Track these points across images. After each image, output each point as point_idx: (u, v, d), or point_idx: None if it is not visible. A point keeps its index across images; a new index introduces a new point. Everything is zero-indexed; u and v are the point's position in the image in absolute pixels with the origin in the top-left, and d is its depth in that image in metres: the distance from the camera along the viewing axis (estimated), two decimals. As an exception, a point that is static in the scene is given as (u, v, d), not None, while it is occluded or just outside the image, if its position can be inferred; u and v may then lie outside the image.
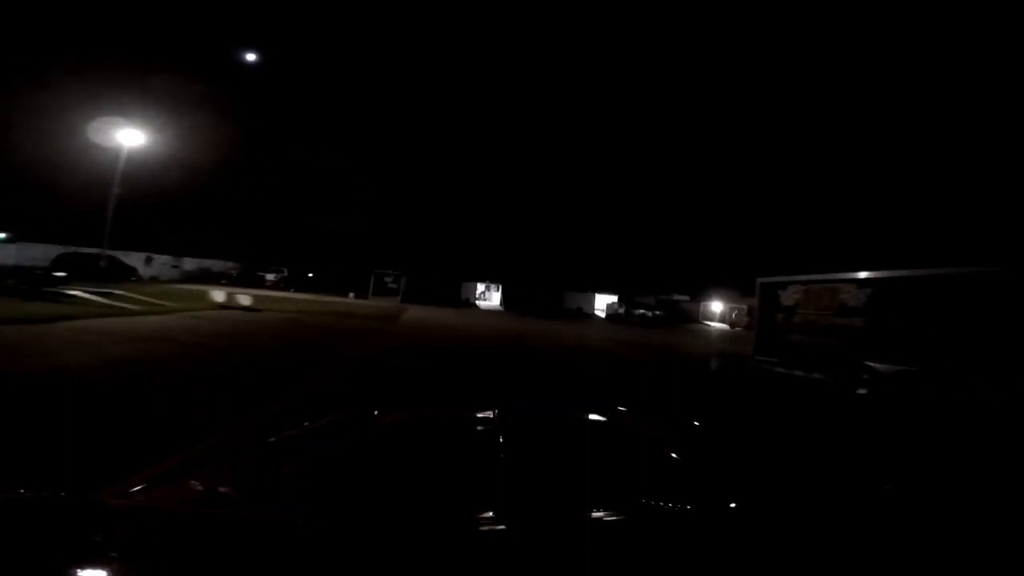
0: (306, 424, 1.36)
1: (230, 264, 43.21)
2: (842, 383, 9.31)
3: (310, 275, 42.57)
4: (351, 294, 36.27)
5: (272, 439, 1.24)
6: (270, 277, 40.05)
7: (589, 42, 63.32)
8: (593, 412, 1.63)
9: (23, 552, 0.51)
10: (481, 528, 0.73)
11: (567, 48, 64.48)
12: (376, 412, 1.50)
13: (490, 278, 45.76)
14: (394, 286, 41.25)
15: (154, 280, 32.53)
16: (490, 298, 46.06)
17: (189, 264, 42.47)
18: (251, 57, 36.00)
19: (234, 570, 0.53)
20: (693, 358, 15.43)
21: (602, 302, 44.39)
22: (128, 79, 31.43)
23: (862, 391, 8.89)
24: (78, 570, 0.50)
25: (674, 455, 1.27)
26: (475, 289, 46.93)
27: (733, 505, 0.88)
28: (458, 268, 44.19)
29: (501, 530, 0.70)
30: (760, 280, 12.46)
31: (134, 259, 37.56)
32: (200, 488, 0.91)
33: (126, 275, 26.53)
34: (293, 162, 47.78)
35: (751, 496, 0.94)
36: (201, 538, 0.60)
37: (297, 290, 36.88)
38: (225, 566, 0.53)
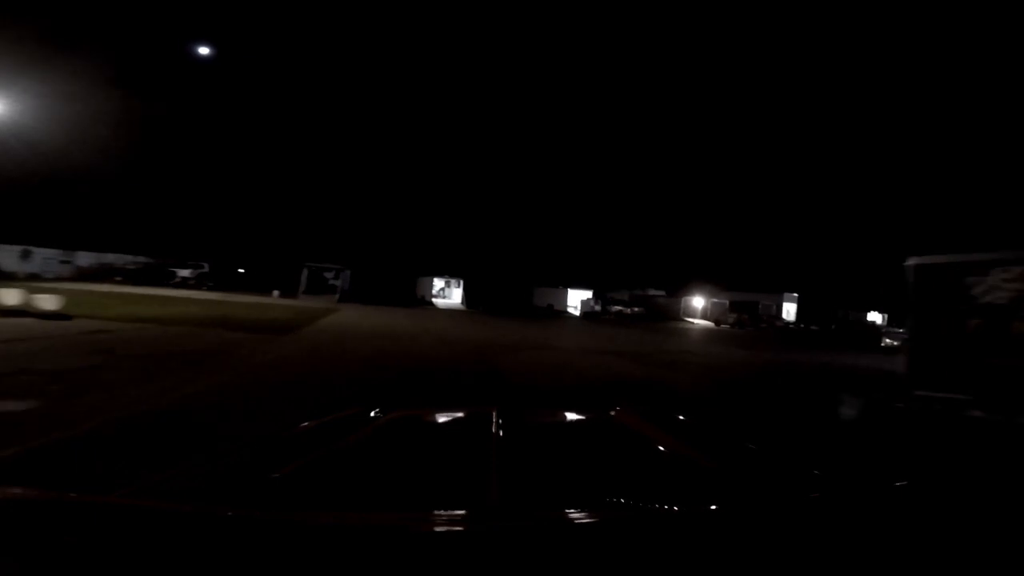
0: (306, 424, 1.39)
1: (128, 259, 36.09)
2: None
3: (241, 271, 36.34)
4: (275, 292, 30.05)
5: (273, 439, 1.27)
6: (184, 273, 34.17)
7: (553, 24, 58.46)
8: (594, 413, 1.71)
9: (24, 553, 0.51)
10: (480, 527, 0.71)
11: (529, 27, 59.37)
12: (376, 412, 1.50)
13: (450, 272, 40.03)
14: (336, 282, 35.40)
15: (34, 278, 25.56)
16: (450, 295, 40.41)
17: (85, 259, 35.29)
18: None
19: (236, 571, 0.52)
20: (747, 378, 10.57)
21: (575, 298, 39.65)
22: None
23: None
24: (79, 572, 0.50)
25: (674, 455, 1.23)
26: (432, 285, 41.30)
27: (733, 506, 0.87)
28: (413, 261, 38.41)
29: (499, 530, 0.66)
30: (918, 262, 6.89)
31: (4, 253, 30.66)
32: (203, 489, 0.91)
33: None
34: (218, 144, 40.48)
35: (753, 496, 0.94)
36: (203, 539, 0.58)
37: (214, 288, 30.80)
38: (227, 567, 0.53)
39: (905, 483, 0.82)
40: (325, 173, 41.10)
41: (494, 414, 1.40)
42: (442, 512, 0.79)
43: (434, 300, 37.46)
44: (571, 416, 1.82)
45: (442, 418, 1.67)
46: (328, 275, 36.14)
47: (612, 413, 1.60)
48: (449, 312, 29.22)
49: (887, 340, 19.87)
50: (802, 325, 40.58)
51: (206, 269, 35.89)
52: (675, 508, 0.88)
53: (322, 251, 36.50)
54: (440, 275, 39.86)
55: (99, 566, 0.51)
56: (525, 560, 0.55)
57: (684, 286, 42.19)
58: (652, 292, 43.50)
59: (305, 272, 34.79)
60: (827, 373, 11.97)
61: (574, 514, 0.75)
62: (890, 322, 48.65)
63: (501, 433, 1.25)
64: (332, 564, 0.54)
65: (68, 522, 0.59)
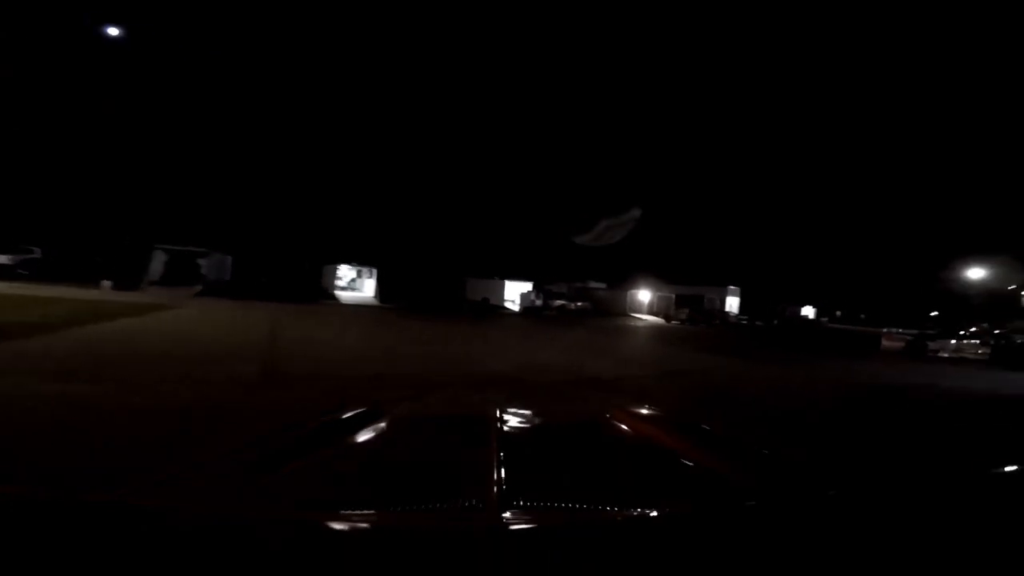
0: (306, 423, 1.37)
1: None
2: None
3: (98, 259, 27.07)
4: (105, 283, 21.81)
5: (274, 437, 1.24)
6: (2, 260, 24.36)
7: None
8: (593, 413, 1.76)
9: (18, 554, 0.50)
10: (479, 527, 0.72)
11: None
12: (376, 412, 1.48)
13: (361, 259, 32.93)
14: (211, 272, 27.52)
15: None
16: (362, 287, 33.43)
17: None
18: None
19: (236, 571, 0.52)
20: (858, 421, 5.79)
21: (513, 291, 34.35)
22: None
23: None
24: (75, 573, 0.49)
25: (673, 456, 1.24)
26: (340, 275, 34.09)
27: (733, 506, 0.87)
28: (313, 246, 31.07)
29: (499, 530, 0.68)
30: None
31: None
32: (203, 488, 0.91)
33: None
34: (53, 102, 29.67)
35: (753, 497, 0.95)
36: (203, 539, 0.58)
37: (37, 279, 21.80)
38: (227, 567, 0.52)
39: (907, 483, 0.82)
40: (192, 127, 31.98)
41: (494, 414, 1.38)
42: (441, 511, 0.80)
43: (338, 293, 30.38)
44: (571, 416, 1.96)
45: (442, 418, 1.73)
46: (202, 261, 28.12)
47: (611, 413, 1.58)
48: (353, 310, 22.56)
49: (886, 341, 16.56)
50: (745, 320, 38.46)
51: (37, 255, 26.58)
52: (674, 509, 0.86)
53: (193, 231, 28.14)
54: (349, 262, 32.68)
55: (98, 566, 0.50)
56: (524, 560, 0.55)
57: (626, 278, 38.64)
58: (593, 284, 39.50)
59: (159, 256, 26.38)
60: (942, 405, 7.61)
61: (574, 514, 0.78)
62: (820, 316, 49.32)
63: (500, 433, 1.24)
64: (332, 564, 0.53)
65: (67, 522, 0.58)
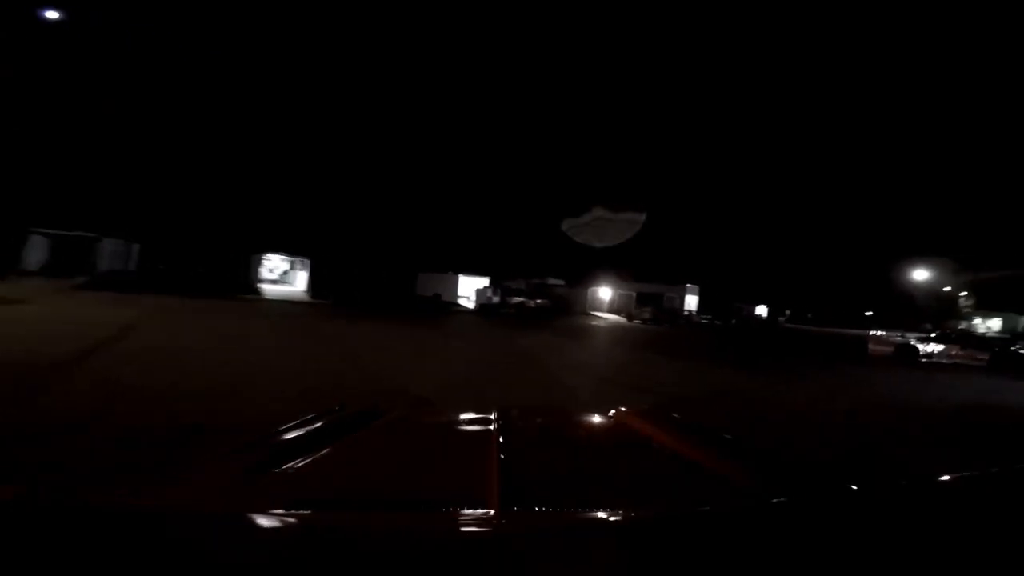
0: (306, 423, 1.32)
1: None
2: None
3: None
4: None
5: (272, 437, 1.20)
6: None
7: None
8: (594, 413, 1.67)
9: (18, 554, 0.50)
10: (480, 528, 0.73)
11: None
12: (376, 412, 1.45)
13: (294, 250, 29.04)
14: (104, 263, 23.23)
15: None
16: (293, 280, 29.58)
17: None
18: None
19: (235, 571, 0.52)
20: None
21: (468, 287, 31.60)
22: None
23: None
24: (61, 572, 0.49)
25: (675, 456, 1.22)
26: (271, 267, 30.11)
27: (734, 507, 0.86)
28: (240, 233, 27.08)
29: (500, 531, 0.69)
30: None
31: None
32: (202, 488, 0.89)
33: None
34: None
35: (754, 497, 0.93)
36: (203, 539, 0.59)
37: None
38: (227, 567, 0.52)
39: (910, 482, 0.80)
40: (86, 88, 26.70)
41: (494, 415, 1.38)
42: (442, 513, 0.79)
43: (268, 287, 26.55)
44: (571, 417, 1.92)
45: (442, 419, 1.69)
46: (103, 249, 23.71)
47: (612, 413, 1.57)
48: (269, 308, 19.04)
49: (873, 346, 15.32)
50: (707, 320, 37.72)
51: None
52: (676, 509, 0.85)
53: (88, 213, 23.47)
54: (278, 251, 28.76)
55: (98, 566, 0.50)
56: (525, 561, 0.55)
57: (585, 275, 36.94)
58: (552, 281, 37.49)
59: (39, 242, 21.76)
60: None
61: (575, 515, 0.77)
62: (772, 315, 49.95)
63: (501, 434, 1.22)
64: (331, 565, 0.53)
65: (67, 522, 0.58)
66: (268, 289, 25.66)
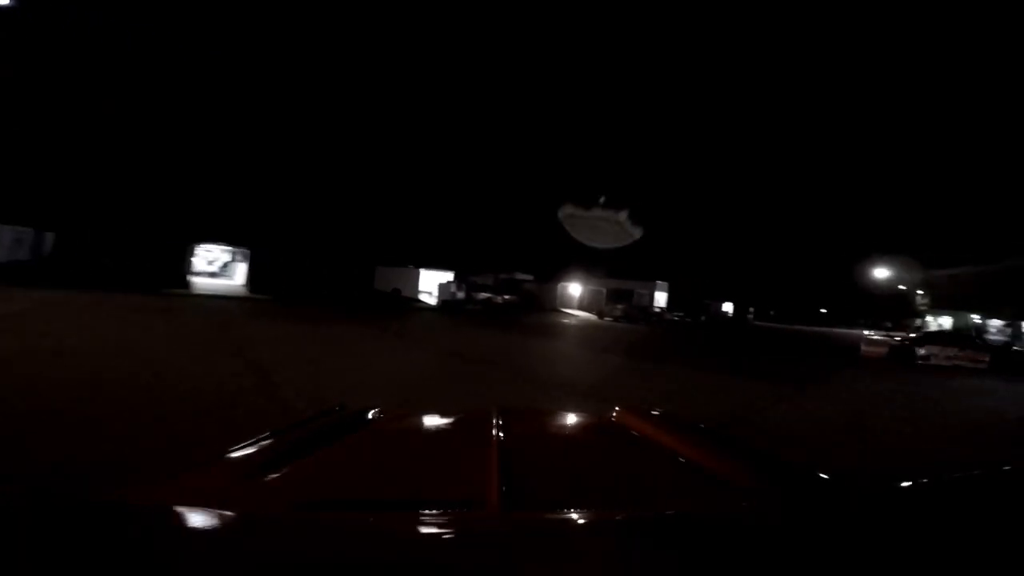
0: (306, 423, 1.34)
1: None
2: None
3: None
4: None
5: (272, 437, 1.20)
6: None
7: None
8: (594, 413, 1.68)
9: (18, 554, 0.51)
10: (480, 528, 0.71)
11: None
12: (376, 412, 1.47)
13: (229, 239, 25.99)
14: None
15: None
16: (233, 273, 26.58)
17: None
18: None
19: (236, 570, 0.52)
20: None
21: (430, 281, 29.45)
22: None
23: None
24: (61, 572, 0.50)
25: (675, 456, 1.19)
26: (210, 258, 27.04)
27: (734, 507, 0.86)
28: (171, 221, 23.88)
29: (500, 531, 0.68)
30: None
31: None
32: (202, 488, 0.90)
33: None
34: None
35: (755, 498, 0.93)
36: (202, 539, 0.60)
37: None
38: (227, 567, 0.53)
39: (910, 482, 0.82)
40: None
41: (494, 415, 1.35)
42: (442, 513, 0.79)
43: (203, 281, 23.58)
44: (571, 417, 1.89)
45: (442, 419, 1.69)
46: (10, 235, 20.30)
47: (612, 413, 1.56)
48: (190, 304, 16.47)
49: (866, 347, 14.42)
50: (678, 317, 37.00)
51: None
52: (676, 509, 0.84)
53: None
54: (216, 241, 25.73)
55: (98, 566, 0.50)
56: (525, 561, 0.55)
57: (554, 270, 35.47)
58: (520, 276, 35.85)
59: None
60: None
61: (575, 515, 0.76)
62: (739, 312, 50.20)
63: (501, 434, 1.21)
64: (331, 565, 0.53)
65: (67, 522, 0.58)
66: (200, 283, 22.74)
